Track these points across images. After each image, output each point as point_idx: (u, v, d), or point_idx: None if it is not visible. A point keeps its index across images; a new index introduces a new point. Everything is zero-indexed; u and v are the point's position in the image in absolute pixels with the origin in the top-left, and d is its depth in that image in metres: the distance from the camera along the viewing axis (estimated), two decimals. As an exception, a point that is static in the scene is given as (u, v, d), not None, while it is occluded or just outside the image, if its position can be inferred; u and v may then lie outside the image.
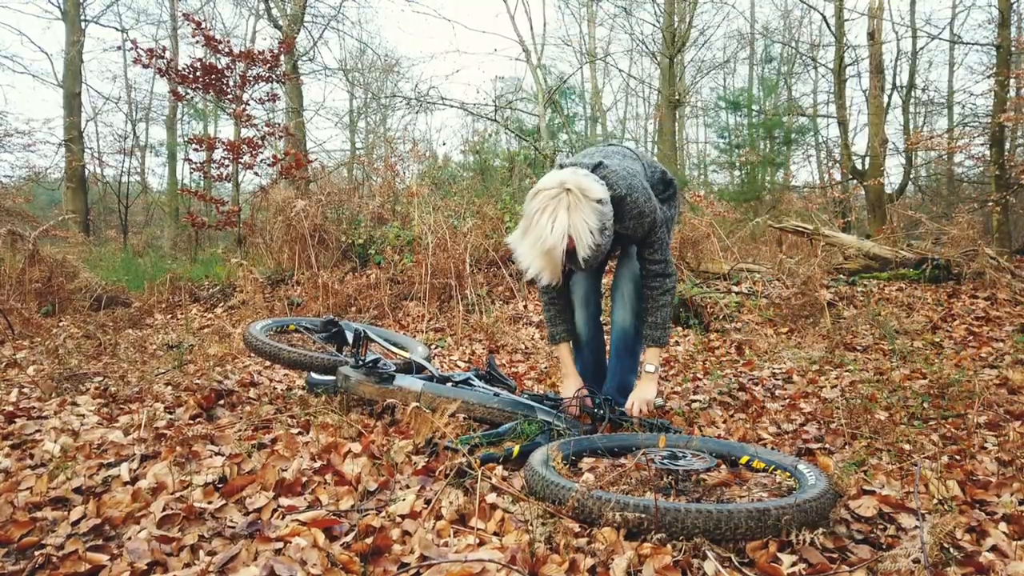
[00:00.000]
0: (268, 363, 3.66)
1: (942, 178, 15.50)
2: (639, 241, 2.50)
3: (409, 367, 2.92)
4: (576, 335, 2.77)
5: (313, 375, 3.03)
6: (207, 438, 2.27)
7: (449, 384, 2.68)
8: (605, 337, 2.91)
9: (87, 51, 13.16)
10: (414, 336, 4.65)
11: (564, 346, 2.71)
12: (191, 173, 16.32)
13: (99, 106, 17.62)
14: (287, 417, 2.63)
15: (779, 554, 1.49)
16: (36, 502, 1.74)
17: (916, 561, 1.41)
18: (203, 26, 8.07)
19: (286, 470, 1.93)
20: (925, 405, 2.83)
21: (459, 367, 3.92)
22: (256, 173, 8.55)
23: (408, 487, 1.88)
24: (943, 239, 6.61)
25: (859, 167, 11.47)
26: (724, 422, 2.72)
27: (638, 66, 21.48)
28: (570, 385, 2.64)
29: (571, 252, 2.26)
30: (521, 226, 2.32)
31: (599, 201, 2.23)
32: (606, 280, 3.78)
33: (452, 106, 12.09)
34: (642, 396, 2.50)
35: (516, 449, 2.11)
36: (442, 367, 3.85)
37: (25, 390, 3.05)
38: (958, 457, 2.21)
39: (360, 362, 2.62)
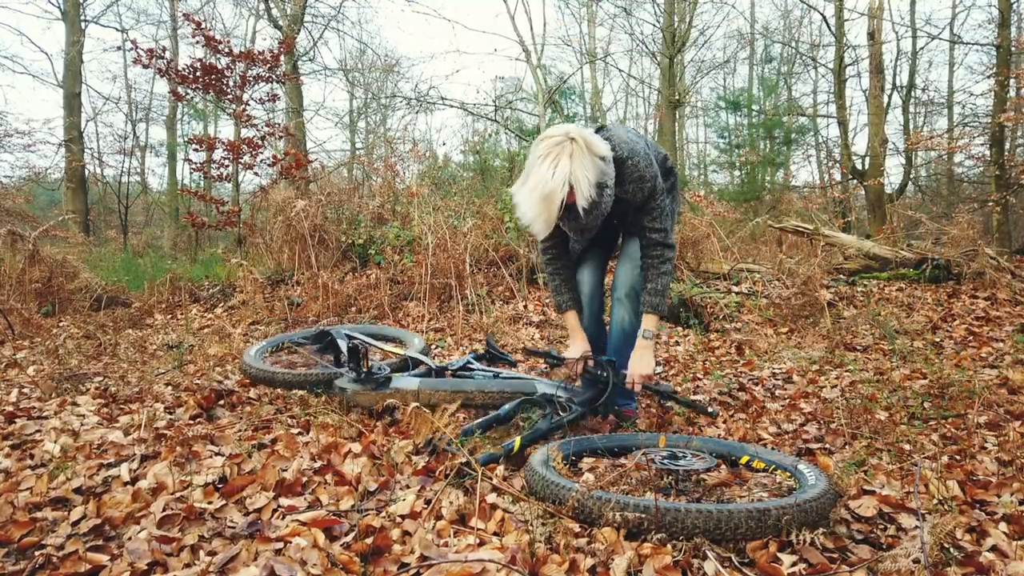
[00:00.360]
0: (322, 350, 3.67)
1: (942, 178, 15.50)
2: (639, 207, 2.48)
3: (405, 364, 2.91)
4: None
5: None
6: (207, 438, 2.27)
7: (447, 373, 2.67)
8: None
9: (87, 51, 13.17)
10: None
11: (571, 313, 2.67)
12: (191, 173, 16.34)
13: (99, 106, 17.63)
14: (287, 417, 2.63)
15: (779, 554, 1.49)
16: (36, 502, 1.74)
17: (916, 561, 1.41)
18: (203, 26, 8.06)
19: (286, 470, 1.93)
20: (925, 405, 2.83)
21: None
22: (256, 173, 8.54)
23: (408, 487, 1.88)
24: (943, 239, 6.61)
25: (859, 167, 11.47)
26: (724, 422, 2.72)
27: (638, 66, 21.48)
28: (576, 347, 2.61)
29: (570, 207, 2.25)
30: (523, 173, 2.31)
31: (602, 158, 2.24)
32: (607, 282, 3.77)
33: (452, 106, 12.11)
34: (640, 371, 2.46)
35: (517, 443, 2.11)
36: (440, 356, 3.85)
37: (25, 390, 3.05)
38: (958, 457, 2.21)
39: (359, 374, 2.61)
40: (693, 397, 3.12)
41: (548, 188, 2.17)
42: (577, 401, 2.42)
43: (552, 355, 2.60)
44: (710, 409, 2.47)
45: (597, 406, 2.52)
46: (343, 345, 2.84)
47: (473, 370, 2.79)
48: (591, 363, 2.52)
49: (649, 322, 2.52)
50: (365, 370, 2.59)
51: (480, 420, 2.30)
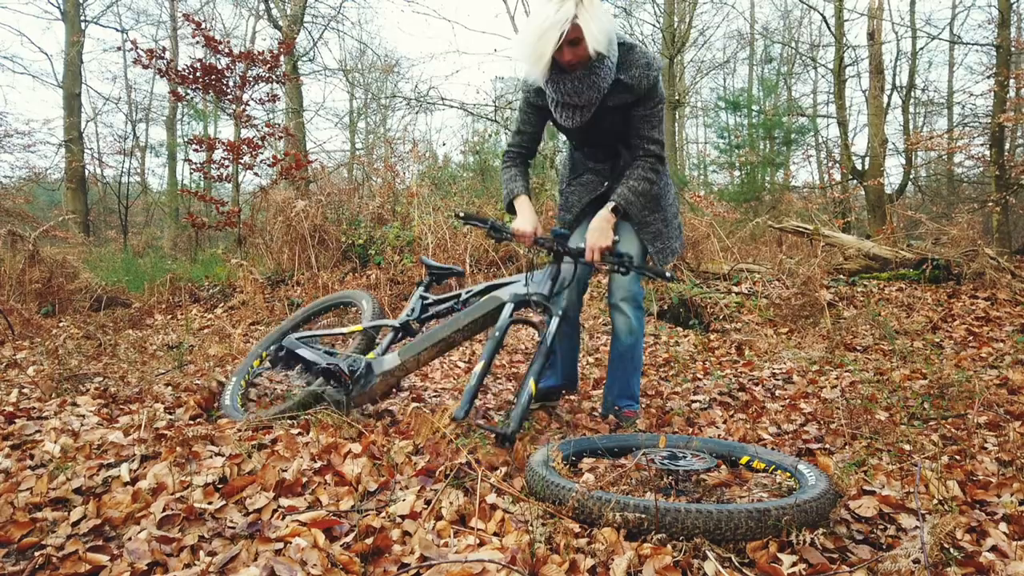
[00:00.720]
0: (276, 369, 3.45)
1: (942, 178, 15.51)
2: (640, 104, 2.37)
3: (369, 338, 2.80)
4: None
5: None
6: (207, 438, 2.27)
7: (415, 327, 2.62)
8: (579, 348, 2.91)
9: (87, 51, 13.19)
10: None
11: (522, 197, 2.51)
12: (191, 174, 16.32)
13: (99, 106, 17.70)
14: (287, 417, 2.62)
15: (779, 554, 1.48)
16: (36, 503, 1.74)
17: (916, 561, 1.41)
18: (203, 27, 8.07)
19: (286, 470, 1.93)
20: (925, 405, 2.83)
21: (459, 366, 3.92)
22: (256, 173, 8.54)
23: (408, 487, 1.88)
24: (943, 239, 6.62)
25: (859, 167, 11.48)
26: (724, 422, 2.72)
27: (638, 66, 21.43)
28: (525, 221, 2.45)
29: (562, 71, 2.19)
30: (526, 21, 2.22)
31: (609, 27, 2.17)
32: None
33: (452, 106, 12.09)
34: (599, 242, 2.35)
35: (532, 386, 2.12)
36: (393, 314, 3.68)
37: (25, 391, 3.05)
38: (958, 457, 2.21)
39: (345, 388, 2.53)
40: (693, 398, 3.12)
41: (547, 24, 2.07)
42: (545, 292, 2.35)
43: (495, 225, 2.46)
44: (668, 274, 2.41)
45: (563, 286, 2.43)
46: (306, 354, 2.70)
47: (429, 306, 2.70)
48: (540, 235, 2.42)
49: (612, 205, 2.40)
50: (347, 381, 2.51)
51: (472, 386, 2.23)
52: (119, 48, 15.69)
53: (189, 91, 8.65)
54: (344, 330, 2.89)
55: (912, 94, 14.61)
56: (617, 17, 15.54)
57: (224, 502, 1.75)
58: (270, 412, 2.61)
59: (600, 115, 2.41)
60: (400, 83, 18.45)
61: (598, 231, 2.37)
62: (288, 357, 2.79)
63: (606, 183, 2.63)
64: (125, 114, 17.66)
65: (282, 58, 8.83)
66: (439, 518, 1.69)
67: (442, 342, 2.42)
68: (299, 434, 2.36)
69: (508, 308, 2.37)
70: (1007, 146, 10.74)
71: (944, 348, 4.13)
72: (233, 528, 1.62)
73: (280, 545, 1.52)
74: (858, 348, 4.21)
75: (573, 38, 2.14)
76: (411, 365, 2.45)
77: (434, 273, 2.90)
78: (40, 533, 1.59)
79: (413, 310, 2.79)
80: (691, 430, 2.60)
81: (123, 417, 2.60)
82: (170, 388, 3.14)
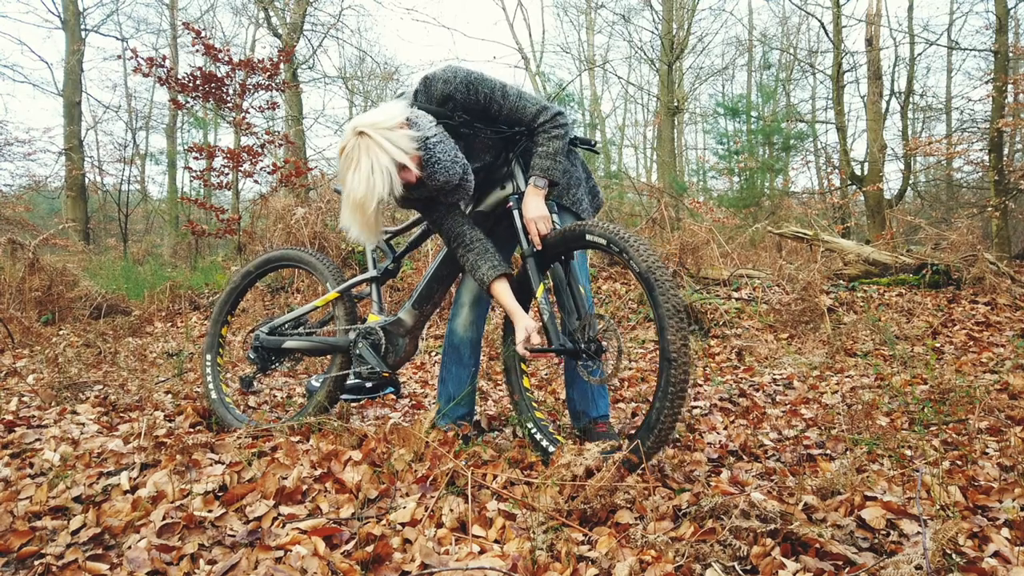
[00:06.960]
0: (267, 372, 3.40)
1: (941, 183, 15.55)
2: (489, 106, 2.20)
3: (352, 302, 2.67)
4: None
5: (312, 382, 3.01)
6: (207, 446, 2.27)
7: (391, 268, 2.59)
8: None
9: (87, 60, 13.24)
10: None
11: (502, 282, 2.21)
12: (191, 181, 16.34)
13: (99, 115, 17.78)
14: (287, 424, 2.62)
15: (784, 560, 1.48)
16: (36, 511, 1.74)
17: (919, 567, 1.40)
18: (203, 35, 8.10)
19: (286, 478, 1.93)
20: (926, 410, 2.82)
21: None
22: (256, 181, 8.57)
23: (408, 495, 1.88)
24: (942, 244, 6.63)
25: (858, 172, 11.50)
26: (725, 428, 2.72)
27: (637, 73, 21.58)
28: (525, 319, 2.20)
29: (412, 187, 2.08)
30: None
31: (406, 122, 2.03)
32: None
33: (451, 113, 12.11)
34: (534, 215, 2.20)
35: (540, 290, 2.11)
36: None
37: (25, 399, 3.05)
38: (959, 462, 2.21)
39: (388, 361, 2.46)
40: (693, 404, 3.12)
41: (358, 195, 1.99)
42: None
43: None
44: (595, 143, 2.36)
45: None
46: (295, 344, 2.61)
47: (389, 240, 2.60)
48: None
49: (537, 178, 2.22)
50: (381, 357, 2.45)
51: (549, 316, 2.14)
52: (119, 57, 15.76)
53: (189, 99, 8.69)
54: (317, 303, 2.73)
55: (911, 99, 14.65)
56: (616, 24, 15.62)
57: (224, 510, 1.74)
58: (294, 416, 2.57)
59: (476, 151, 2.28)
60: (400, 90, 18.51)
61: (531, 204, 2.21)
62: (278, 354, 2.72)
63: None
64: (125, 122, 17.73)
65: (282, 66, 8.87)
66: (440, 525, 1.69)
67: (450, 276, 2.38)
68: (299, 441, 2.36)
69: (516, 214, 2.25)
70: (1006, 151, 10.76)
71: (944, 353, 4.13)
72: (233, 536, 1.61)
73: (280, 553, 1.52)
74: (858, 353, 4.21)
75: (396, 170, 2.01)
76: (429, 311, 2.38)
77: None
78: (40, 542, 1.59)
79: (379, 250, 2.64)
80: (691, 436, 2.60)
81: (123, 425, 2.59)
82: (170, 396, 3.14)
